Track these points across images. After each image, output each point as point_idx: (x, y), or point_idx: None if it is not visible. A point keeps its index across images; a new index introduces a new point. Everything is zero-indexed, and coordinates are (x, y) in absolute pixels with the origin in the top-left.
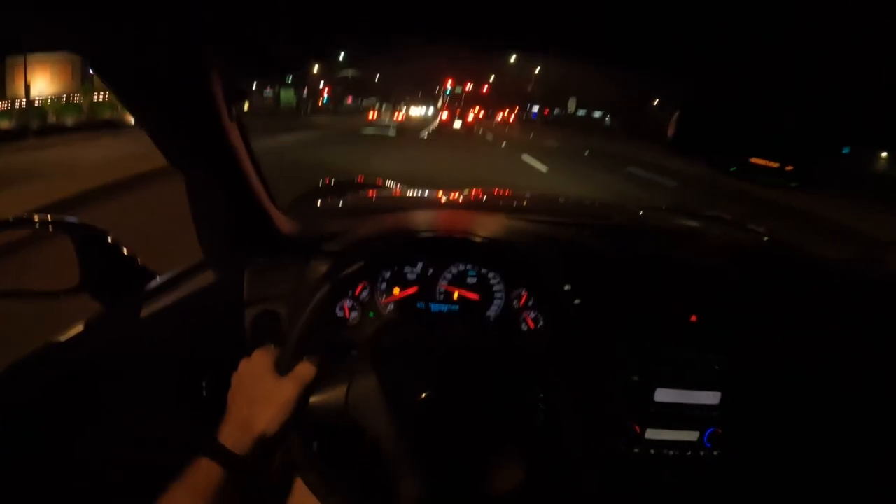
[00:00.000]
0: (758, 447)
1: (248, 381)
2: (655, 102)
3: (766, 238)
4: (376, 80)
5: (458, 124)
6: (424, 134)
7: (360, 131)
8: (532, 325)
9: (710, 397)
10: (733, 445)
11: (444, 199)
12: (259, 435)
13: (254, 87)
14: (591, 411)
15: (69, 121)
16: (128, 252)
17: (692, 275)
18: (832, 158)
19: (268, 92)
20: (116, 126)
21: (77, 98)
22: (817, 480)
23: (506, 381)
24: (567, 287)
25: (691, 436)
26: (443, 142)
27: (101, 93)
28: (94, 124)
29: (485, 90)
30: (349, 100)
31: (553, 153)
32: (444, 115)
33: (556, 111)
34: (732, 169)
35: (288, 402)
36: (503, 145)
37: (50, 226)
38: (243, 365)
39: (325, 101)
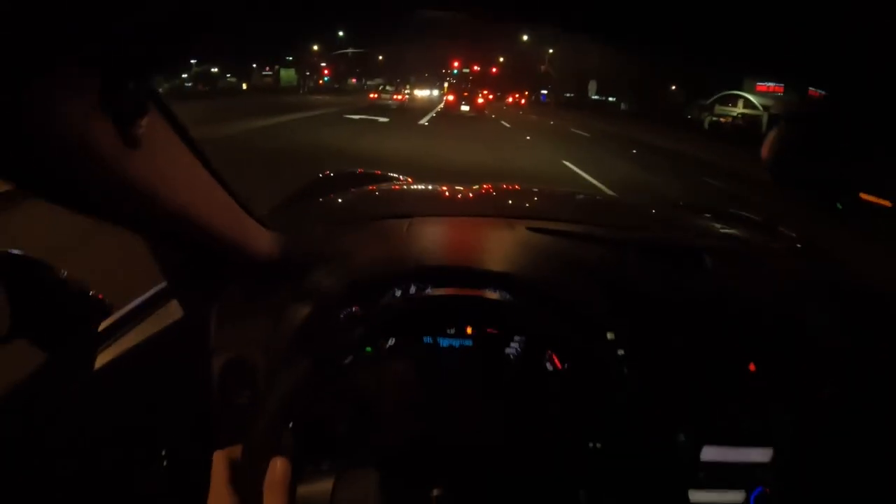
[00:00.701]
0: None
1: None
2: (672, 87)
3: (798, 244)
4: (380, 59)
5: (465, 108)
6: (425, 120)
7: (350, 115)
8: (560, 366)
9: (762, 454)
10: None
11: (448, 193)
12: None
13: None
14: (631, 474)
15: None
16: (77, 282)
17: (752, 312)
18: None
19: (267, 72)
20: None
21: None
22: None
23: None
24: (610, 336)
25: (737, 496)
26: (447, 130)
27: None
28: None
29: (494, 71)
30: (353, 80)
31: (593, 149)
32: (450, 97)
33: (569, 95)
34: (839, 206)
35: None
36: (527, 139)
37: None
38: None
39: (326, 80)
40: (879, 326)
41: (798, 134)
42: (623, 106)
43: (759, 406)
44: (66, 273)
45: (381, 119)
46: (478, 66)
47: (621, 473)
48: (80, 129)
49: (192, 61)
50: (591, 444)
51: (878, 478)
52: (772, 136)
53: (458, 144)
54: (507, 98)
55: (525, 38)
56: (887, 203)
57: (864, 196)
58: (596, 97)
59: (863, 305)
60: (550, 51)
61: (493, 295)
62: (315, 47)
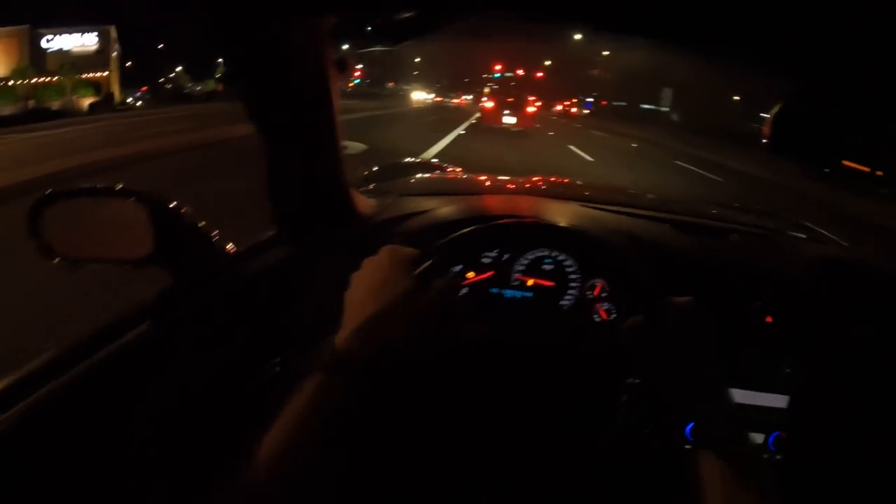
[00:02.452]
0: (821, 454)
1: (372, 278)
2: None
3: (846, 245)
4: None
5: (510, 119)
6: (443, 142)
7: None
8: (605, 317)
9: (779, 400)
10: (797, 450)
11: (513, 186)
12: (383, 343)
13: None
14: (664, 408)
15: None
16: (201, 224)
17: (771, 278)
18: None
19: None
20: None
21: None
22: (881, 488)
23: (582, 382)
24: (644, 278)
25: (756, 438)
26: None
27: (48, 77)
28: (39, 113)
29: (539, 76)
30: (391, 84)
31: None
32: (489, 103)
33: (617, 103)
34: (826, 171)
35: (423, 310)
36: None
37: (130, 196)
38: (367, 262)
39: (356, 82)
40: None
41: (793, 113)
42: (674, 116)
43: (775, 355)
44: (189, 211)
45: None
46: (522, 69)
47: (653, 399)
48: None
49: (219, 60)
50: (630, 380)
51: (888, 428)
52: (771, 115)
53: None
54: (556, 105)
55: (577, 37)
56: (866, 168)
57: (846, 163)
58: (649, 106)
59: (864, 281)
60: (605, 53)
61: (554, 223)
62: (345, 46)
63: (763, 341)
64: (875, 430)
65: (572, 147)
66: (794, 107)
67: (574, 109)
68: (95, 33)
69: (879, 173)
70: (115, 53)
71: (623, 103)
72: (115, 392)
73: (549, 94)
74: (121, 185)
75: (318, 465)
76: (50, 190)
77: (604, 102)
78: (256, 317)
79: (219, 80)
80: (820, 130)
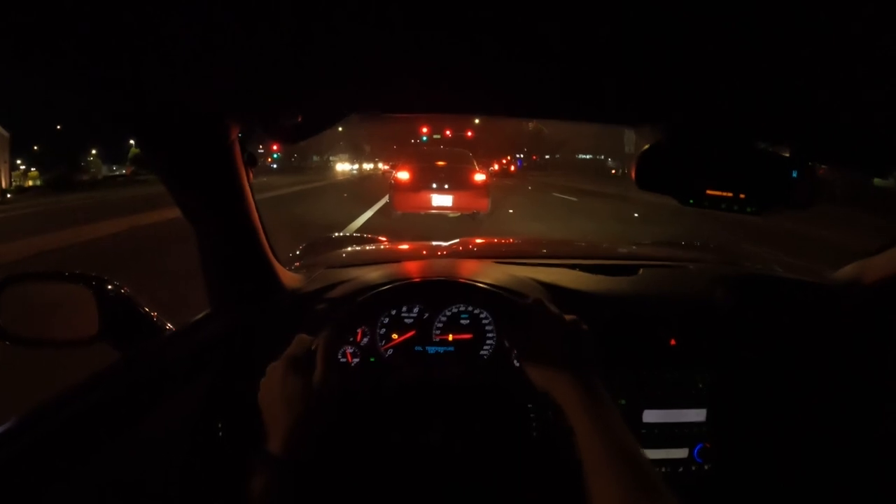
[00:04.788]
0: (746, 457)
1: (275, 387)
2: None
3: (756, 267)
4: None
5: (442, 200)
6: (368, 213)
7: None
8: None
9: (697, 415)
10: (723, 458)
11: (434, 250)
12: (300, 431)
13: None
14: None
15: None
16: (141, 305)
17: (670, 302)
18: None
19: None
20: None
21: None
22: (806, 485)
23: (502, 412)
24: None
25: (681, 453)
26: None
27: None
28: None
29: (469, 135)
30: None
31: None
32: (404, 174)
33: (548, 156)
34: (691, 201)
35: (309, 383)
36: None
37: (77, 280)
38: (269, 370)
39: (275, 157)
40: (774, 305)
41: (654, 155)
42: (610, 163)
43: (686, 373)
44: (129, 291)
45: None
46: (450, 130)
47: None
48: (234, 154)
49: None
50: (549, 413)
51: (800, 425)
52: (636, 159)
53: None
54: (492, 165)
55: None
56: (729, 193)
57: (709, 192)
58: (586, 156)
59: (759, 288)
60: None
61: (463, 281)
62: None
63: (672, 362)
64: (786, 424)
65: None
66: (655, 149)
67: (512, 168)
68: None
69: (742, 196)
70: None
71: (556, 156)
72: (68, 458)
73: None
74: (69, 272)
75: None
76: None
77: (534, 157)
78: (196, 388)
79: (130, 161)
80: (678, 168)
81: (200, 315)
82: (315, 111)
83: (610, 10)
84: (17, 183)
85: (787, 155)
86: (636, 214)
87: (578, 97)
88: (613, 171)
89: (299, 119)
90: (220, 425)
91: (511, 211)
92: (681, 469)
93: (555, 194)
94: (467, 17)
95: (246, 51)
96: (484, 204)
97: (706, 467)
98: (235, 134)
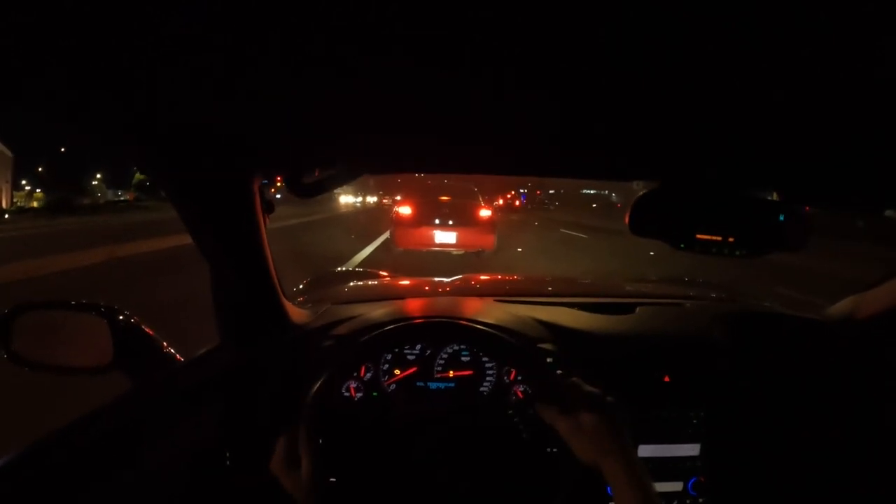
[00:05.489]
0: (741, 491)
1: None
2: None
3: (753, 304)
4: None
5: (446, 237)
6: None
7: None
8: (521, 396)
9: (691, 449)
10: (717, 491)
11: (437, 287)
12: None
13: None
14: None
15: None
16: (151, 335)
17: (665, 340)
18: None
19: None
20: None
21: None
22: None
23: (504, 447)
24: (549, 360)
25: (676, 486)
26: None
27: None
28: None
29: None
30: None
31: None
32: (406, 209)
33: (552, 191)
34: (682, 245)
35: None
36: None
37: (89, 309)
38: None
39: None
40: (769, 342)
41: (645, 203)
42: (614, 197)
43: (680, 409)
44: (138, 320)
45: None
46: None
47: (574, 471)
48: (253, 199)
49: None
50: (549, 449)
51: (794, 457)
52: (629, 209)
53: None
54: (497, 200)
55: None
56: (718, 238)
57: (699, 236)
58: (590, 191)
59: (754, 325)
60: None
61: (464, 322)
62: None
63: (666, 399)
64: (780, 459)
65: None
66: (647, 198)
67: (517, 203)
68: None
69: (731, 239)
70: None
71: (558, 191)
72: (78, 486)
73: (484, 187)
74: (83, 301)
75: None
76: (17, 304)
77: (538, 193)
78: (206, 418)
79: (134, 187)
80: (669, 215)
81: (210, 347)
82: (334, 174)
83: (606, 76)
84: (21, 203)
85: (775, 199)
86: (652, 253)
87: (577, 159)
88: (619, 205)
89: (316, 174)
90: (227, 454)
91: (520, 250)
92: (675, 502)
93: (562, 230)
94: (472, 88)
95: (276, 122)
96: (490, 241)
97: (701, 500)
98: (258, 184)
